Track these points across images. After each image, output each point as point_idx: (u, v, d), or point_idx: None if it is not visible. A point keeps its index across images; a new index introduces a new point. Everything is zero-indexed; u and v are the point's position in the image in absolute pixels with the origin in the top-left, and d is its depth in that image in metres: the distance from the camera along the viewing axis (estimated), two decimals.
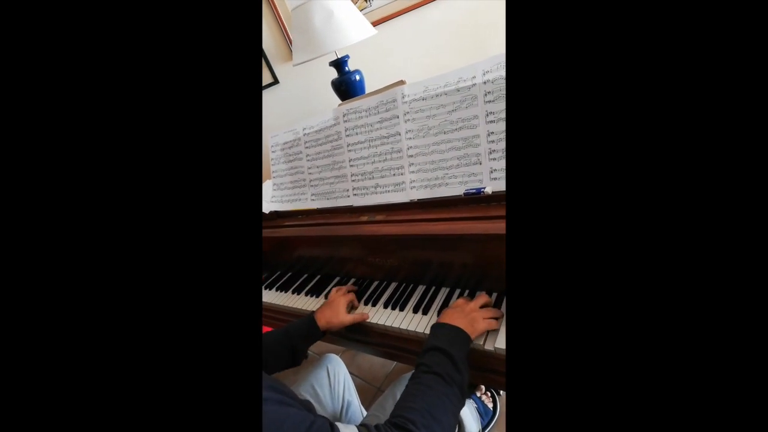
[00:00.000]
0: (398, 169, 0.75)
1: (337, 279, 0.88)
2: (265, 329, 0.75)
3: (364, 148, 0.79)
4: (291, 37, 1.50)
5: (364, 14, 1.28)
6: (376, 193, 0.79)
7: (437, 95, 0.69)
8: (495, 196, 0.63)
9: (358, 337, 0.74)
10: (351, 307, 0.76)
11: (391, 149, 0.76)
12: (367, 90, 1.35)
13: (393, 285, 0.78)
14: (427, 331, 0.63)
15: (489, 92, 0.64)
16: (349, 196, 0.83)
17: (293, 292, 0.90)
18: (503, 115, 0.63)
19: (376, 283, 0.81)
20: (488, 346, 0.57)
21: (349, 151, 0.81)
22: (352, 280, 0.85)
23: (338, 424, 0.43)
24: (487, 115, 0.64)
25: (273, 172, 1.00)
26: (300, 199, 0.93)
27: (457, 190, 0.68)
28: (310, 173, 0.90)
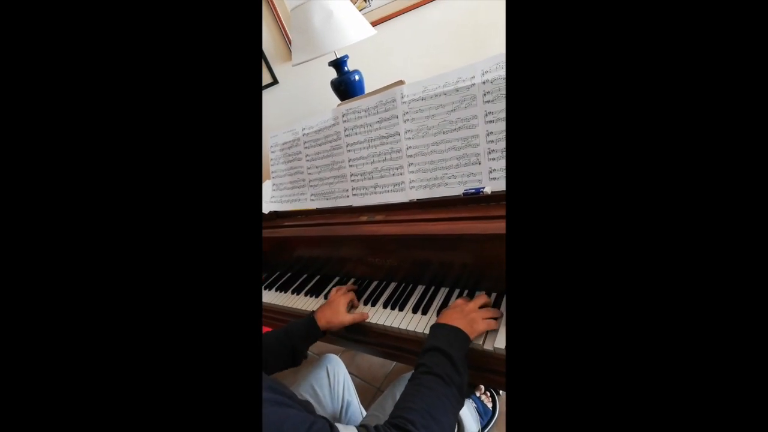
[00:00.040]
0: (397, 169, 0.75)
1: (337, 279, 0.88)
2: (265, 329, 0.75)
3: (364, 148, 0.79)
4: (290, 37, 1.50)
5: (363, 14, 1.28)
6: (376, 193, 0.79)
7: (436, 95, 0.69)
8: (494, 196, 0.63)
9: (357, 337, 0.74)
10: (351, 306, 0.76)
11: (390, 149, 0.76)
12: (367, 90, 1.35)
13: (392, 285, 0.78)
14: (427, 331, 0.63)
15: (488, 92, 0.64)
16: (348, 196, 0.83)
17: (293, 293, 0.90)
18: (502, 115, 0.63)
19: (375, 283, 0.81)
20: (487, 346, 0.57)
21: (349, 151, 0.82)
22: (352, 280, 0.85)
23: (338, 425, 0.43)
24: (486, 115, 0.64)
25: (272, 172, 1.00)
26: (299, 200, 0.93)
27: (456, 190, 0.68)
28: (309, 173, 0.90)
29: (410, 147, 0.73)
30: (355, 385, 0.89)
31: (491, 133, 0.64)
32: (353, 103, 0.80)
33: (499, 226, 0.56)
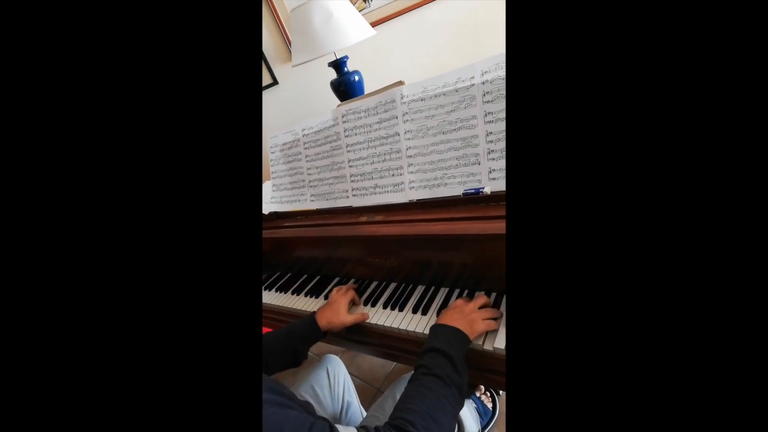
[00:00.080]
0: (397, 169, 0.75)
1: (337, 279, 0.88)
2: (265, 330, 0.75)
3: (363, 148, 0.79)
4: (290, 38, 1.50)
5: (363, 15, 1.28)
6: (376, 193, 0.79)
7: (436, 96, 0.69)
8: (494, 196, 0.63)
9: (357, 337, 0.74)
10: (352, 304, 0.75)
11: (390, 150, 0.76)
12: (366, 90, 1.35)
13: (392, 285, 0.78)
14: (427, 332, 0.63)
15: (487, 92, 0.64)
16: (348, 197, 0.84)
17: (293, 293, 0.90)
18: (502, 115, 0.63)
19: (375, 283, 0.81)
20: (487, 346, 0.57)
21: (348, 151, 0.82)
22: (352, 281, 0.85)
23: (338, 426, 0.43)
24: (486, 115, 0.64)
25: (272, 172, 1.00)
26: (299, 200, 0.93)
27: (456, 190, 0.68)
28: (309, 174, 0.90)
29: (410, 147, 0.73)
30: (355, 386, 0.89)
31: (491, 133, 0.64)
32: (353, 104, 0.80)
33: (498, 226, 0.56)
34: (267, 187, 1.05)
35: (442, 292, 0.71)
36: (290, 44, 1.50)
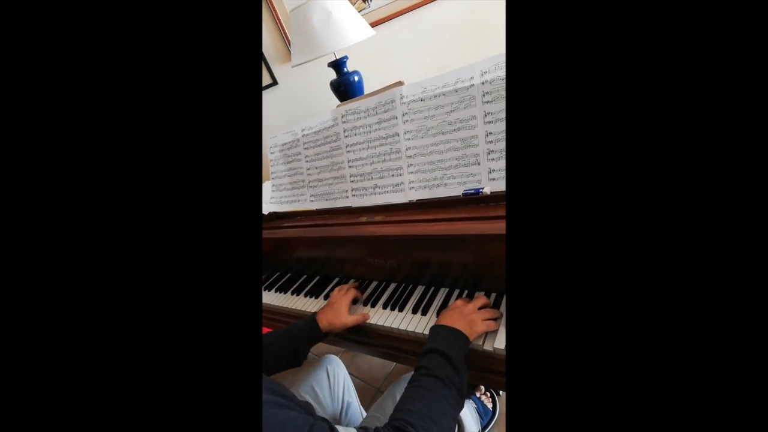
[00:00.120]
0: (397, 169, 0.75)
1: (337, 280, 0.88)
2: (264, 330, 0.75)
3: (363, 149, 0.79)
4: (289, 39, 1.50)
5: (362, 15, 1.28)
6: (375, 193, 0.79)
7: (435, 96, 0.69)
8: (493, 197, 0.63)
9: (357, 337, 0.74)
10: (354, 302, 0.75)
11: (389, 150, 0.76)
12: (366, 91, 1.35)
13: (392, 286, 0.78)
14: (427, 332, 0.63)
15: (487, 93, 0.64)
16: (348, 197, 0.84)
17: (292, 293, 0.90)
18: (501, 115, 0.63)
19: (375, 283, 0.81)
20: (487, 347, 0.57)
21: (348, 152, 0.82)
22: (351, 281, 0.85)
23: (338, 427, 0.43)
24: (486, 115, 0.64)
25: (272, 173, 1.00)
26: (299, 200, 0.93)
27: (455, 190, 0.68)
28: (309, 174, 0.90)
29: (409, 148, 0.73)
30: (355, 386, 0.89)
31: (490, 133, 0.64)
32: (352, 104, 0.80)
33: (498, 227, 0.56)
34: (266, 188, 1.06)
35: (442, 293, 0.71)
36: (290, 44, 1.50)
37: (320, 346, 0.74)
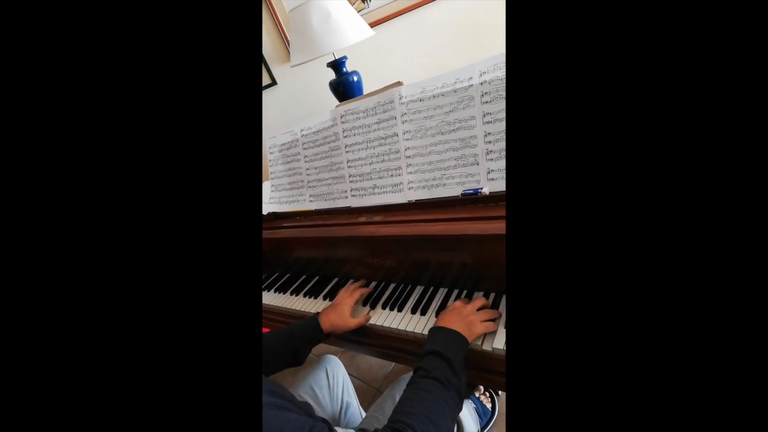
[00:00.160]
0: (396, 170, 0.75)
1: (336, 280, 0.88)
2: (263, 330, 0.75)
3: (362, 149, 0.79)
4: (289, 39, 1.50)
5: (361, 15, 1.28)
6: (374, 194, 0.79)
7: (434, 96, 0.69)
8: (492, 197, 0.63)
9: (356, 337, 0.74)
10: (361, 299, 0.75)
11: (388, 150, 0.76)
12: (365, 91, 1.35)
13: (391, 286, 0.78)
14: (426, 332, 0.63)
15: (486, 93, 0.64)
16: (347, 197, 0.84)
17: (292, 294, 0.90)
18: (500, 115, 0.63)
19: (374, 284, 0.81)
20: (486, 347, 0.57)
21: (347, 152, 0.82)
22: (350, 281, 0.85)
23: (337, 428, 0.43)
24: (484, 115, 0.64)
25: (271, 173, 1.00)
26: (298, 201, 0.93)
27: (454, 190, 0.68)
28: (308, 174, 0.90)
29: (408, 148, 0.73)
30: (354, 386, 0.89)
31: (489, 133, 0.64)
32: (352, 104, 0.80)
33: (497, 227, 0.56)
34: (266, 188, 1.05)
35: (441, 293, 0.71)
36: (289, 45, 1.50)
37: (319, 346, 0.74)
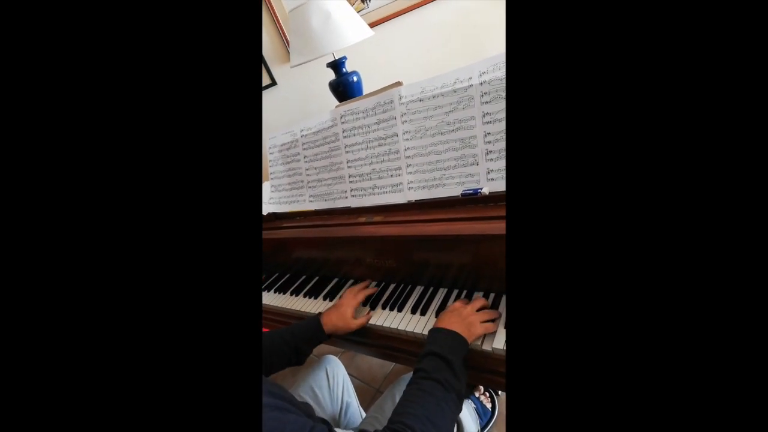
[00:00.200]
0: (396, 170, 0.75)
1: (336, 280, 0.88)
2: (264, 331, 0.75)
3: (362, 149, 0.79)
4: (288, 39, 1.50)
5: (361, 15, 1.28)
6: (374, 194, 0.79)
7: (434, 96, 0.69)
8: (492, 197, 0.63)
9: (356, 338, 0.74)
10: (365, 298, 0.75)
11: (388, 150, 0.76)
12: (365, 91, 1.35)
13: (391, 286, 0.78)
14: (426, 332, 0.63)
15: (485, 93, 0.64)
16: (347, 198, 0.84)
17: (291, 294, 0.90)
18: (500, 115, 0.63)
19: (374, 284, 0.81)
20: (486, 347, 0.57)
21: (347, 152, 0.82)
22: (350, 282, 0.85)
23: (337, 429, 0.43)
24: (484, 116, 0.64)
25: (271, 173, 1.00)
26: (298, 201, 0.93)
27: (454, 190, 0.68)
28: (308, 175, 0.90)
29: (408, 148, 0.73)
30: (354, 387, 0.89)
31: (489, 134, 0.64)
32: (351, 105, 0.80)
33: (497, 227, 0.56)
34: (265, 188, 1.05)
35: (441, 293, 0.71)
36: (288, 45, 1.50)
37: (319, 347, 0.74)
